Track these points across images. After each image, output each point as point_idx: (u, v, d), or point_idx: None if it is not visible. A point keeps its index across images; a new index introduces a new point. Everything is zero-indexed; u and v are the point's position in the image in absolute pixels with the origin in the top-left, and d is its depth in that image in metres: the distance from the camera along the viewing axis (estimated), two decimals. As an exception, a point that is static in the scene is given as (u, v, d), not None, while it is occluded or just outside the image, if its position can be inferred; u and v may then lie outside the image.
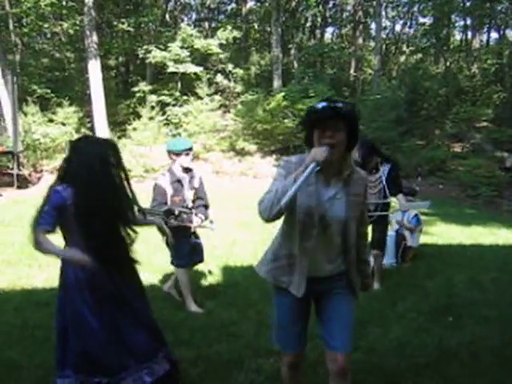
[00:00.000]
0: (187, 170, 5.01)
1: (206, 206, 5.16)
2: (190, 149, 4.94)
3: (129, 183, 3.31)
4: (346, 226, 2.59)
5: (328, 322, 2.71)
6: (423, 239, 7.97)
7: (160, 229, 4.35)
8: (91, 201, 2.95)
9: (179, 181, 4.95)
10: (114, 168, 3.16)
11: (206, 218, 5.10)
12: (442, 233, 9.49)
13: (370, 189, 5.77)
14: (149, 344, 3.23)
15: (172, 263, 5.21)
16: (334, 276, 2.68)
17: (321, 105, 2.45)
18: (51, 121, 19.67)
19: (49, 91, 20.98)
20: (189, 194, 5.02)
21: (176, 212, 4.91)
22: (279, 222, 2.69)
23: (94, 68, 20.18)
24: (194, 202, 5.08)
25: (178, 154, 4.91)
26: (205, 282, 5.88)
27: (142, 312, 3.33)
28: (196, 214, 5.00)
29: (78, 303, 2.99)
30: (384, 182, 5.79)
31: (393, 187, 5.84)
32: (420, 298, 5.46)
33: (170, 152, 4.97)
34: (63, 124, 19.58)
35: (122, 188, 3.23)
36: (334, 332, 2.67)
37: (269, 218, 2.43)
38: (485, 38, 28.96)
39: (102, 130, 19.81)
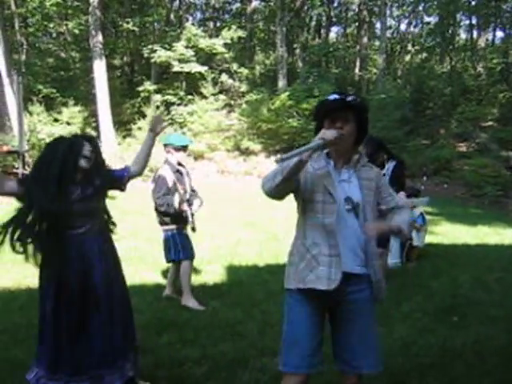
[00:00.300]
0: (182, 164, 5.24)
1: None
2: (187, 146, 5.25)
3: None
4: (365, 211, 2.50)
5: (348, 342, 2.55)
6: (428, 239, 7.95)
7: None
8: (35, 201, 2.86)
9: (179, 171, 5.13)
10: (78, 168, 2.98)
11: (202, 202, 5.22)
12: (447, 232, 9.46)
13: None
14: (114, 348, 3.12)
15: (173, 260, 5.24)
16: (357, 277, 2.49)
17: (332, 96, 2.47)
18: (56, 120, 19.73)
19: (54, 91, 21.05)
20: (189, 186, 5.19)
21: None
22: (287, 218, 2.66)
23: (99, 68, 20.22)
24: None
25: (177, 150, 5.15)
26: (209, 282, 5.87)
27: (114, 314, 3.19)
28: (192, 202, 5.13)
29: (44, 301, 3.01)
30: (387, 180, 5.78)
31: (395, 185, 5.83)
32: (425, 297, 5.44)
33: (169, 145, 5.19)
34: (68, 123, 19.64)
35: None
36: (355, 352, 2.53)
37: (271, 189, 2.35)
38: (490, 37, 28.88)
39: (107, 130, 19.86)
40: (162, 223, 5.15)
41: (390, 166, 5.87)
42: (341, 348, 2.58)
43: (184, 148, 5.15)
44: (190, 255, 5.17)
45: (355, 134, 2.50)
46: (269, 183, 2.36)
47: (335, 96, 2.47)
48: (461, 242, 8.53)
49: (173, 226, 5.09)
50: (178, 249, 5.12)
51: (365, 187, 2.53)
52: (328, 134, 2.33)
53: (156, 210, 5.07)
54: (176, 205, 4.83)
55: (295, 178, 2.39)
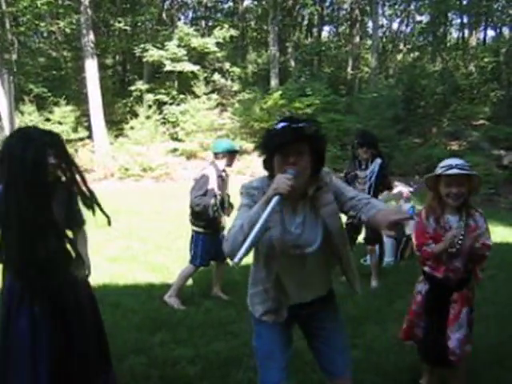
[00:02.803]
0: (225, 170, 5.26)
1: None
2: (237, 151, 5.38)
3: (82, 184, 2.85)
4: (331, 243, 2.33)
5: (324, 351, 2.56)
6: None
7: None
8: (9, 205, 2.60)
9: (221, 177, 5.13)
10: (52, 169, 2.70)
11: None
12: (439, 231, 9.48)
13: (359, 185, 5.87)
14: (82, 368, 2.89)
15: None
16: (317, 300, 2.49)
17: (281, 125, 2.19)
18: (48, 120, 19.65)
19: (45, 90, 20.96)
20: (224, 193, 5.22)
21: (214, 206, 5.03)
22: None
23: (91, 67, 20.15)
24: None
25: (225, 155, 5.16)
26: (203, 281, 5.86)
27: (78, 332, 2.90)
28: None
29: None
30: (373, 179, 5.81)
31: (381, 184, 5.90)
32: (418, 295, 5.46)
33: (220, 153, 5.13)
34: (60, 123, 19.56)
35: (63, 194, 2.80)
36: (334, 359, 2.55)
37: (241, 258, 2.03)
38: (482, 35, 28.98)
39: (99, 129, 19.79)
40: (193, 223, 5.18)
41: (375, 164, 5.89)
42: (317, 354, 2.61)
43: (233, 153, 5.20)
44: (205, 264, 5.25)
45: (310, 167, 2.22)
46: (239, 256, 2.02)
47: (284, 125, 2.18)
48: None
49: (201, 229, 5.12)
50: (198, 254, 5.16)
51: (327, 215, 2.30)
52: (282, 186, 2.04)
53: (191, 207, 5.07)
54: (210, 211, 4.86)
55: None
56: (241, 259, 2.02)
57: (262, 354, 2.53)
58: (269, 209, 2.02)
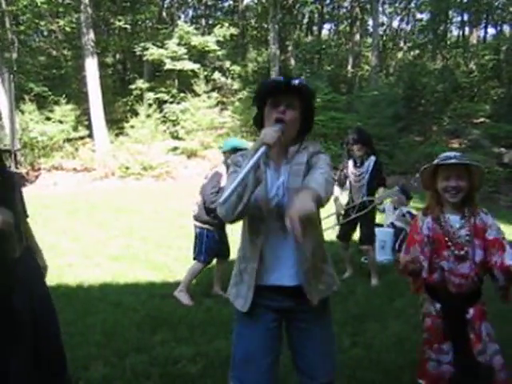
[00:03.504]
0: None
1: None
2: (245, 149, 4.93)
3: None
4: (286, 199, 2.20)
5: (303, 354, 2.38)
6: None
7: None
8: None
9: None
10: None
11: None
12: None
13: (353, 182, 5.93)
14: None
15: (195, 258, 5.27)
16: (289, 290, 2.28)
17: (274, 77, 2.27)
18: (48, 119, 19.64)
19: (46, 89, 20.92)
20: None
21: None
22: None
23: (91, 66, 20.13)
24: None
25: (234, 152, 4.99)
26: (204, 279, 5.87)
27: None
28: None
29: None
30: (368, 177, 5.83)
31: (377, 180, 5.91)
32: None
33: (229, 151, 5.02)
34: (60, 122, 19.54)
35: None
36: (313, 362, 2.36)
37: (235, 217, 2.10)
38: (482, 33, 28.97)
39: (100, 128, 19.78)
40: (200, 220, 5.16)
41: (370, 161, 5.90)
42: (298, 358, 2.40)
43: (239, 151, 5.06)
44: (209, 260, 5.26)
45: (298, 122, 2.23)
46: (232, 213, 2.08)
47: (277, 78, 2.24)
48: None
49: (207, 226, 5.13)
50: (202, 250, 5.18)
51: (292, 173, 2.21)
52: (269, 136, 2.05)
53: (203, 204, 5.06)
54: None
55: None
56: (226, 200, 1.97)
57: (239, 355, 2.36)
58: (255, 157, 2.01)
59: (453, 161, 2.67)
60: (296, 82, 2.18)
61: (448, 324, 2.75)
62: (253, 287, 2.27)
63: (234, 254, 6.13)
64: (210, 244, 5.16)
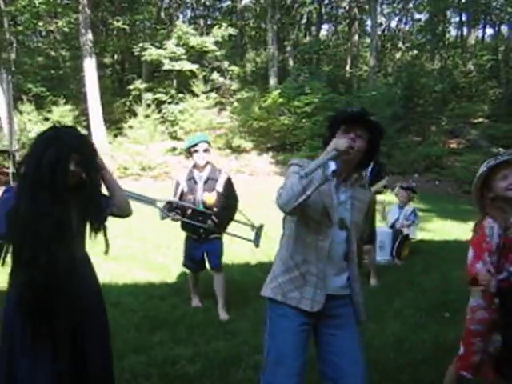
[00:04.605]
0: (201, 168, 4.81)
1: (227, 211, 4.83)
2: (196, 144, 4.74)
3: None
4: (349, 234, 2.42)
5: (334, 359, 2.42)
6: (420, 235, 7.99)
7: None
8: (22, 207, 2.29)
9: (192, 178, 4.82)
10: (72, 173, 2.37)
11: (216, 224, 4.76)
12: (438, 229, 9.51)
13: None
14: None
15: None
16: (339, 297, 2.44)
17: (354, 108, 2.43)
18: (47, 119, 19.64)
19: (44, 90, 20.96)
20: (201, 196, 4.75)
21: (183, 209, 4.79)
22: (279, 231, 2.60)
23: (90, 66, 20.14)
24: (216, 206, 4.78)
25: (189, 152, 4.85)
26: (202, 280, 5.87)
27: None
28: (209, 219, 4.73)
29: None
30: (367, 178, 5.82)
31: (376, 177, 5.88)
32: (417, 293, 5.47)
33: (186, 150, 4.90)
34: (59, 122, 19.33)
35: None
36: (342, 369, 2.39)
37: (292, 208, 2.20)
38: (480, 34, 29.02)
39: (98, 128, 19.78)
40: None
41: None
42: (326, 366, 2.45)
43: (192, 147, 4.81)
44: (186, 264, 5.14)
45: (362, 154, 2.37)
46: (292, 203, 2.19)
47: (357, 108, 2.42)
48: (452, 238, 8.56)
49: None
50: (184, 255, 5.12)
51: (356, 209, 2.43)
52: (340, 143, 2.21)
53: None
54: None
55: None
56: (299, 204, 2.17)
57: (271, 356, 2.43)
58: (326, 157, 2.17)
59: (505, 157, 2.63)
60: (371, 117, 2.40)
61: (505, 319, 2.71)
62: (322, 288, 2.37)
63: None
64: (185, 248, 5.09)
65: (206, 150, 4.78)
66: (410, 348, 4.03)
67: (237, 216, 4.92)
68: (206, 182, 4.77)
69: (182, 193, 4.83)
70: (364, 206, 2.47)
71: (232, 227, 5.02)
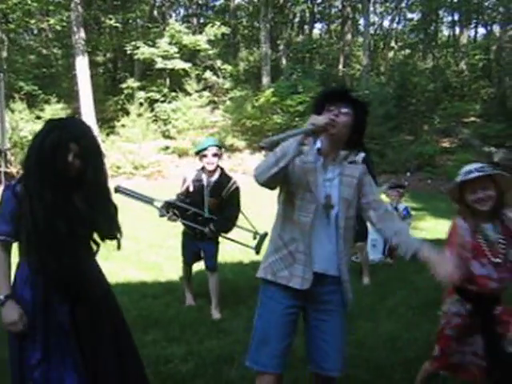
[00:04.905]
0: (210, 173, 4.75)
1: (227, 221, 4.78)
2: (205, 149, 4.65)
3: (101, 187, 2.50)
4: (338, 208, 2.44)
5: (321, 344, 2.51)
6: (412, 234, 8.00)
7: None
8: (28, 192, 2.28)
9: (200, 181, 4.76)
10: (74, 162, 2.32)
11: (213, 232, 4.73)
12: (430, 228, 9.53)
13: None
14: None
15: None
16: (329, 279, 2.47)
17: (334, 86, 2.50)
18: (39, 118, 19.50)
19: (36, 88, 20.83)
20: (207, 201, 4.71)
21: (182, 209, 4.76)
22: (274, 215, 2.62)
23: (82, 64, 20.06)
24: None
25: (199, 155, 4.78)
26: (195, 279, 5.86)
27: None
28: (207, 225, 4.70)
29: None
30: None
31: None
32: (409, 292, 5.49)
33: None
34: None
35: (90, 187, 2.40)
36: (328, 354, 2.50)
37: (268, 179, 2.29)
38: (472, 33, 29.13)
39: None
40: None
41: (359, 158, 5.90)
42: (313, 349, 2.55)
43: (200, 152, 4.76)
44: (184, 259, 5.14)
45: (349, 130, 2.43)
46: (265, 174, 2.28)
47: (337, 87, 2.50)
48: (444, 237, 8.58)
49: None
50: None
51: (344, 183, 2.46)
52: (319, 119, 2.29)
53: None
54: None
55: (287, 166, 2.32)
56: (270, 143, 2.26)
57: (257, 336, 2.53)
58: (299, 129, 2.30)
59: (475, 175, 2.73)
60: (354, 94, 2.50)
61: (479, 322, 2.86)
62: (310, 265, 2.41)
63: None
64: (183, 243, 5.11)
65: (215, 155, 4.69)
66: (402, 346, 4.05)
67: (240, 221, 4.89)
68: (213, 187, 4.72)
69: (188, 191, 4.81)
70: (354, 180, 2.48)
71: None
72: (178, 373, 3.59)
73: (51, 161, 2.25)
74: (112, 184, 2.77)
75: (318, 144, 2.46)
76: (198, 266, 5.28)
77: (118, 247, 2.58)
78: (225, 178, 4.80)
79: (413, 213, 8.59)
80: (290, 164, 2.30)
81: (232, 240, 5.08)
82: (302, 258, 2.42)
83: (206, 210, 4.69)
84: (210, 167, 4.70)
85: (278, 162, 2.24)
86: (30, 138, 13.82)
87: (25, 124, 18.51)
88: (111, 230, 2.53)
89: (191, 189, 4.77)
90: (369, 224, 2.83)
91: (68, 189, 2.35)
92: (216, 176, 4.76)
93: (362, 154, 5.89)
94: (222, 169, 4.85)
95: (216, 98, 23.71)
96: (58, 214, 2.28)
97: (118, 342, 2.52)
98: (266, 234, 4.72)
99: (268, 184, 2.35)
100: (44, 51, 24.94)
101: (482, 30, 29.23)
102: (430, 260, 2.29)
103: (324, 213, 2.42)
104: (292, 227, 2.46)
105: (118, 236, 2.56)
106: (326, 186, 2.43)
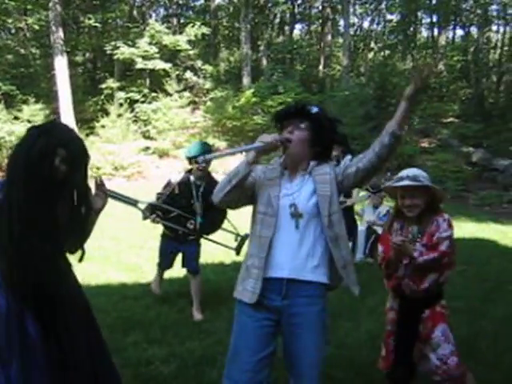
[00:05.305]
0: (199, 178, 4.77)
1: (213, 224, 4.83)
2: (195, 157, 4.56)
3: (83, 201, 2.45)
4: (319, 213, 2.40)
5: (295, 360, 2.45)
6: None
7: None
8: (9, 202, 2.23)
9: (187, 185, 4.76)
10: (61, 171, 2.29)
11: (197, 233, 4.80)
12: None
13: None
14: None
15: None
16: (303, 290, 2.41)
17: (288, 105, 2.56)
18: (17, 118, 19.26)
19: (14, 88, 20.54)
20: (198, 206, 4.73)
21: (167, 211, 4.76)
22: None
23: (61, 64, 19.85)
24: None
25: (189, 160, 4.77)
26: (176, 280, 5.84)
27: None
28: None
29: None
30: None
31: None
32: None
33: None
34: (29, 122, 19.15)
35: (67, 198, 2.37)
36: (302, 370, 2.43)
37: (222, 199, 2.40)
38: (451, 35, 29.45)
39: (70, 128, 19.52)
40: None
41: (346, 161, 5.94)
42: (288, 363, 2.50)
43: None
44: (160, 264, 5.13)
45: (308, 144, 2.46)
46: (220, 192, 2.39)
47: (290, 105, 2.58)
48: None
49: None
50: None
51: (319, 181, 2.44)
52: (267, 137, 2.38)
53: None
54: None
55: (245, 184, 2.40)
56: (205, 160, 2.63)
57: (230, 351, 2.50)
58: (246, 146, 2.43)
59: (405, 182, 2.84)
60: (307, 107, 2.48)
61: (399, 320, 3.00)
62: (261, 278, 2.38)
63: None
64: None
65: (208, 162, 4.67)
66: (383, 345, 4.08)
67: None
68: (204, 192, 4.70)
69: (173, 193, 4.78)
70: (326, 175, 2.46)
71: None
72: (159, 374, 3.58)
73: (38, 169, 2.22)
74: (92, 185, 2.73)
75: (282, 160, 2.53)
76: (180, 267, 5.25)
77: (80, 260, 2.60)
78: (212, 183, 4.76)
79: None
80: (245, 182, 2.38)
81: (213, 241, 5.08)
82: (255, 273, 2.41)
83: (197, 217, 4.73)
84: (201, 174, 4.72)
85: (230, 180, 2.35)
86: (8, 138, 13.67)
87: (2, 125, 18.24)
88: (81, 244, 2.54)
89: (176, 191, 4.76)
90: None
91: (52, 198, 2.31)
92: (204, 181, 4.76)
93: (349, 157, 5.92)
94: (209, 173, 4.86)
95: (196, 99, 23.65)
96: (34, 227, 2.25)
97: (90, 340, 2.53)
98: (246, 236, 4.70)
99: (224, 202, 2.45)
100: (22, 51, 24.61)
101: (460, 32, 29.59)
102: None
103: (292, 222, 2.40)
104: (254, 242, 2.48)
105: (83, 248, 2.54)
106: (292, 196, 2.43)
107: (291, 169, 2.50)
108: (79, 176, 2.37)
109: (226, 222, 4.90)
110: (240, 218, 5.18)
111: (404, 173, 2.92)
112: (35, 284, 2.25)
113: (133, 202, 4.60)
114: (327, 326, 2.56)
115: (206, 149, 4.77)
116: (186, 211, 4.71)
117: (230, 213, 4.97)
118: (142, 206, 4.70)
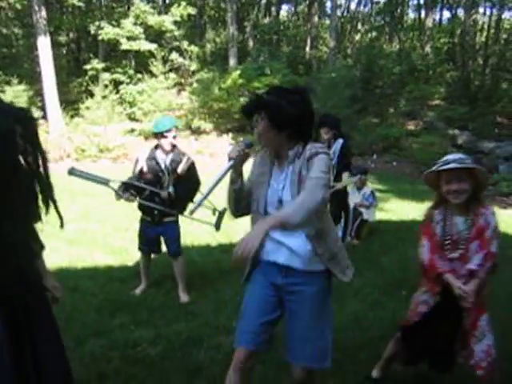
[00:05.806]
0: (166, 152, 4.76)
1: (183, 192, 4.75)
2: (168, 130, 4.65)
3: (44, 172, 2.30)
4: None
5: (287, 335, 2.56)
6: (378, 216, 8.12)
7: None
8: None
9: (154, 159, 4.75)
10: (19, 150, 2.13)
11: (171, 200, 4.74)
12: (396, 209, 9.69)
13: None
14: None
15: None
16: (295, 271, 2.50)
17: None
18: (-1, 100, 19.01)
19: (-4, 69, 20.25)
20: (167, 180, 4.73)
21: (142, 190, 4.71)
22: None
23: (44, 45, 19.53)
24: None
25: (156, 135, 4.74)
26: (161, 262, 5.84)
27: None
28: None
29: None
30: (335, 160, 5.89)
31: (342, 163, 5.96)
32: (375, 273, 5.58)
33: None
34: (12, 103, 18.92)
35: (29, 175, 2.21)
36: (291, 345, 2.54)
37: (234, 214, 2.65)
38: (437, 17, 29.44)
39: (54, 109, 19.29)
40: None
41: (337, 144, 5.96)
42: (286, 337, 2.58)
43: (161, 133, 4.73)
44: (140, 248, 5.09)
45: (271, 129, 2.42)
46: (231, 212, 2.65)
47: (249, 101, 2.55)
48: (409, 218, 8.74)
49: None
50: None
51: (290, 183, 2.45)
52: (232, 152, 2.47)
53: None
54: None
55: (244, 193, 2.56)
56: (193, 211, 2.65)
57: (241, 312, 2.65)
58: (220, 172, 2.46)
59: (452, 165, 2.74)
60: (259, 99, 2.49)
61: (440, 309, 2.88)
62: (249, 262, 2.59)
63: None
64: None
65: (174, 137, 4.75)
66: (368, 326, 4.12)
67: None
68: (170, 164, 4.73)
69: (142, 171, 4.77)
70: (295, 177, 2.43)
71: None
72: (146, 356, 3.59)
73: (2, 152, 2.02)
74: (77, 167, 2.68)
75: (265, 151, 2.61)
76: (163, 249, 5.24)
77: (61, 226, 2.45)
78: (179, 155, 4.81)
79: (378, 194, 8.72)
80: (242, 193, 2.56)
81: (192, 218, 5.05)
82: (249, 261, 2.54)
83: (170, 189, 4.70)
84: (169, 147, 4.74)
85: (228, 201, 2.61)
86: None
87: (-15, 106, 17.99)
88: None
89: (145, 169, 4.75)
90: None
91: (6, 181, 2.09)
92: (171, 154, 4.77)
93: (341, 141, 5.94)
94: (174, 145, 4.82)
95: (182, 80, 23.46)
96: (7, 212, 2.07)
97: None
98: (225, 210, 4.71)
99: (238, 212, 2.66)
100: (4, 30, 24.18)
101: (446, 14, 29.63)
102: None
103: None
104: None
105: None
106: (279, 191, 2.48)
107: (277, 158, 2.55)
108: (39, 158, 2.22)
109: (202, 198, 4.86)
110: (216, 195, 5.19)
111: (448, 157, 2.85)
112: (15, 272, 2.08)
113: (105, 182, 4.54)
114: (329, 309, 2.62)
115: (174, 123, 4.79)
116: (156, 186, 4.70)
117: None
118: (115, 186, 4.64)
